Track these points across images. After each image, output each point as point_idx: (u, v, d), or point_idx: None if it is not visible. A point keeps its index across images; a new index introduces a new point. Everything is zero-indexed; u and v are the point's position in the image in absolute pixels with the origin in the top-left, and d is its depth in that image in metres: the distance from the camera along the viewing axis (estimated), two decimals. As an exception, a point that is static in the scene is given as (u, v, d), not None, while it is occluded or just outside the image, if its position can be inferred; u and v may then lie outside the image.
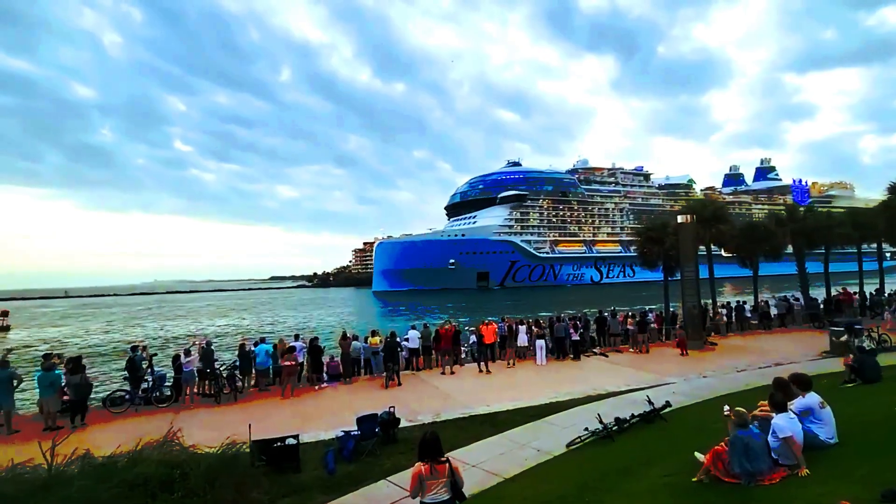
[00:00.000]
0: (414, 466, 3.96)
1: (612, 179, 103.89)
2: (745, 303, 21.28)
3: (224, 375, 11.75)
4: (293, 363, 11.93)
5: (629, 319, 17.14)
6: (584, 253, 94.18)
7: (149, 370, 11.74)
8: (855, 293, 22.97)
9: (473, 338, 15.27)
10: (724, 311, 20.34)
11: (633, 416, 7.67)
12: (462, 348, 15.36)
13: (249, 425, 6.98)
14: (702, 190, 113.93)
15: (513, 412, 9.35)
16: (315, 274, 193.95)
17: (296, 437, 6.97)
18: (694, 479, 4.45)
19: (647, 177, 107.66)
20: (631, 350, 16.07)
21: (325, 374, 12.95)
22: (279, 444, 6.80)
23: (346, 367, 13.16)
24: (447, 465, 3.90)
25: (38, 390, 9.84)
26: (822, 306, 21.59)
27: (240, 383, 12.03)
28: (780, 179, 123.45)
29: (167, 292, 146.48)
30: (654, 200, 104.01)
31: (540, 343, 14.59)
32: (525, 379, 12.65)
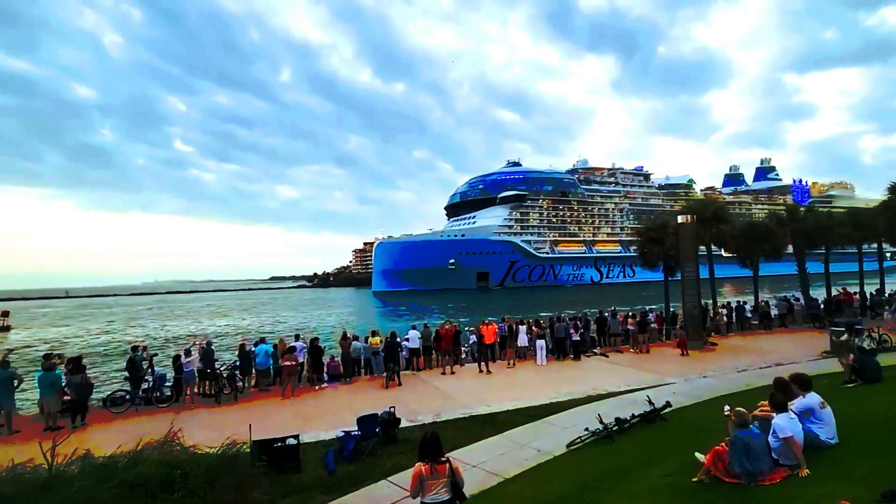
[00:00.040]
0: (414, 466, 3.96)
1: (612, 179, 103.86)
2: (745, 303, 21.27)
3: (224, 375, 11.74)
4: (293, 363, 11.93)
5: (629, 319, 17.14)
6: (584, 253, 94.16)
7: (149, 370, 11.75)
8: (855, 293, 22.97)
9: (474, 338, 15.28)
10: (725, 312, 20.32)
11: (633, 416, 7.66)
12: (462, 348, 15.37)
13: (250, 425, 6.97)
14: (702, 190, 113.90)
15: (513, 412, 9.35)
16: (315, 274, 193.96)
17: (296, 437, 6.96)
18: (694, 480, 4.45)
19: (647, 177, 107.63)
20: (631, 350, 16.06)
21: (325, 375, 12.95)
22: (279, 444, 6.80)
23: (347, 368, 13.16)
24: (447, 465, 3.89)
25: (38, 390, 9.84)
26: (822, 306, 21.58)
27: (240, 383, 12.04)
28: (781, 179, 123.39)
29: (167, 292, 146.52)
30: (654, 200, 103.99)
31: (540, 343, 14.59)
32: (525, 379, 12.65)
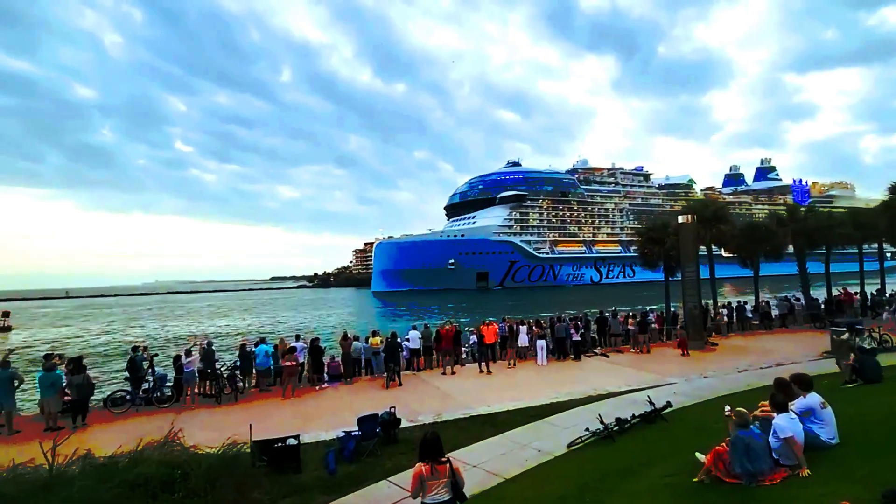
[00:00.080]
0: (415, 467, 3.96)
1: (611, 179, 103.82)
2: (745, 303, 21.25)
3: (225, 376, 11.74)
4: (294, 363, 11.93)
5: (630, 320, 17.13)
6: (584, 253, 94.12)
7: (149, 370, 11.76)
8: (856, 293, 22.95)
9: (474, 338, 15.27)
10: (725, 312, 20.30)
11: (633, 416, 7.66)
12: (463, 349, 15.37)
13: (250, 425, 6.97)
14: (702, 190, 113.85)
15: (513, 412, 9.34)
16: (316, 274, 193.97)
17: (296, 437, 6.96)
18: (695, 480, 4.45)
19: (647, 177, 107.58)
20: (632, 350, 16.05)
21: (325, 375, 12.95)
22: (280, 444, 6.80)
23: (347, 368, 13.15)
24: (448, 465, 3.89)
25: (39, 391, 9.84)
26: (822, 306, 21.57)
27: (240, 384, 12.03)
28: (781, 179, 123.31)
29: (168, 293, 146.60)
30: (654, 200, 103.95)
31: (541, 343, 14.58)
32: (526, 379, 12.64)
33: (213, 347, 13.00)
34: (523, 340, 14.97)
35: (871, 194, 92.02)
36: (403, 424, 8.35)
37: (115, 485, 4.30)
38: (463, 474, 4.01)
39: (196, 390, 11.58)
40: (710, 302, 21.63)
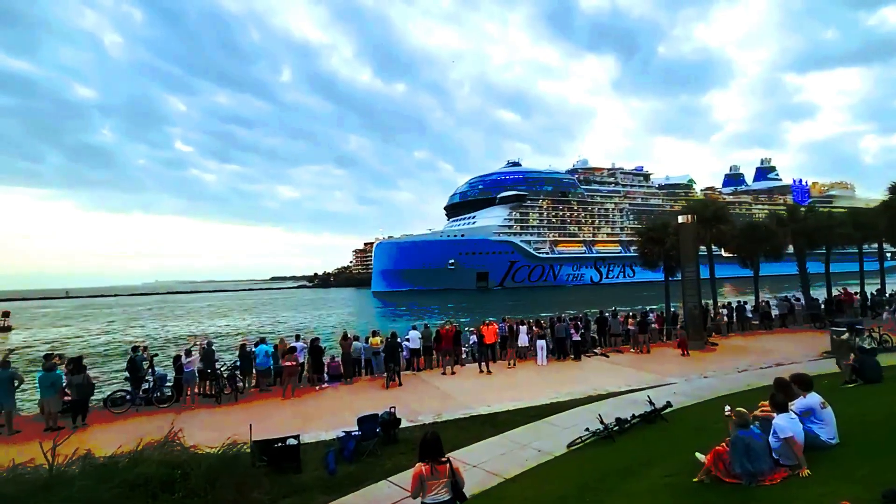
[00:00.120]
0: (415, 467, 3.96)
1: (611, 179, 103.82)
2: (745, 303, 21.25)
3: (225, 376, 11.74)
4: (294, 363, 11.93)
5: (630, 320, 17.13)
6: (584, 253, 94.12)
7: (149, 370, 11.75)
8: (856, 293, 22.95)
9: (474, 338, 15.27)
10: (725, 312, 20.31)
11: (633, 416, 7.66)
12: (463, 349, 15.37)
13: (250, 425, 6.97)
14: (702, 190, 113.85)
15: (513, 412, 9.34)
16: (316, 274, 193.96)
17: (297, 437, 6.96)
18: (695, 480, 4.45)
19: (647, 177, 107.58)
20: (632, 350, 16.06)
21: (325, 375, 12.95)
22: (280, 444, 6.80)
23: (347, 368, 13.15)
24: (448, 465, 3.89)
25: (39, 390, 9.84)
26: (823, 306, 21.57)
27: (240, 384, 12.03)
28: (781, 179, 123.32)
29: (168, 293, 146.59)
30: (654, 200, 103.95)
31: (541, 343, 14.58)
32: (526, 379, 12.64)
33: (213, 347, 13.00)
34: (523, 340, 14.97)
35: (871, 194, 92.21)
36: (403, 424, 8.35)
37: (115, 485, 4.30)
38: (463, 474, 4.01)
39: (196, 390, 11.58)
40: (710, 302, 21.62)
